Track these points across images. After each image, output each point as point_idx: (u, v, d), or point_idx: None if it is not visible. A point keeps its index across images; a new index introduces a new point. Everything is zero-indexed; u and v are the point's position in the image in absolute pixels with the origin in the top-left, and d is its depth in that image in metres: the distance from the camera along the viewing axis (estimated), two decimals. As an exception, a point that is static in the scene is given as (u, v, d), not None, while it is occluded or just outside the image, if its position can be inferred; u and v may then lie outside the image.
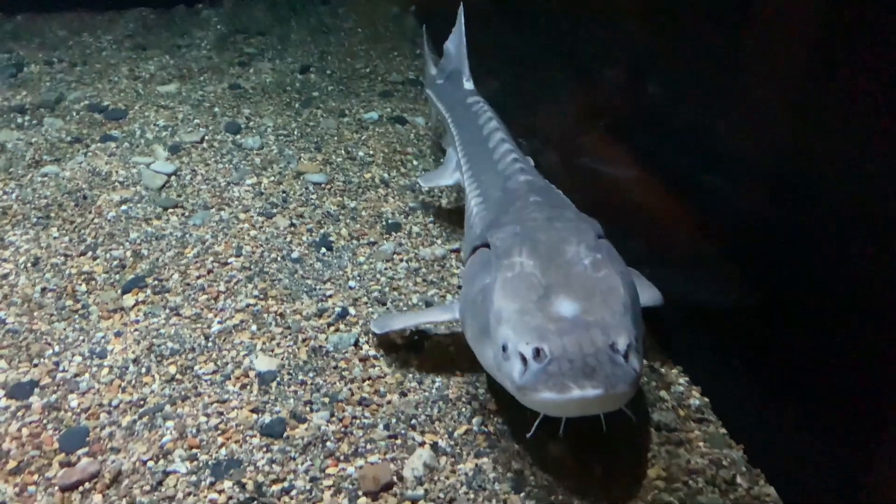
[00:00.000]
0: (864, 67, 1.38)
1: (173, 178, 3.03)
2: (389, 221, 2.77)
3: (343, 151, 3.27)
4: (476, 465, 1.73)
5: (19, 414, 1.88)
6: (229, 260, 2.51)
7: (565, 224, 1.81)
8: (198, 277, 2.42)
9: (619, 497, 1.61)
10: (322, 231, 2.69)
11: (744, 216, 1.78)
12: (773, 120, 1.66)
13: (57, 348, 2.10)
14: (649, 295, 1.97)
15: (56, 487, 1.68)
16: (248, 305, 2.29)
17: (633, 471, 1.68)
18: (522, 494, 1.65)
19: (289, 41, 4.67)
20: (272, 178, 3.04)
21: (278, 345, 2.13)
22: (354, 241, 2.65)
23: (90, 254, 2.53)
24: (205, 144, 3.30)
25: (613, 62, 2.42)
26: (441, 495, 1.66)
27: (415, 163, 3.21)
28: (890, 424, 1.39)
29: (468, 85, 2.85)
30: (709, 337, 1.95)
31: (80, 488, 1.67)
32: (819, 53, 1.50)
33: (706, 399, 1.92)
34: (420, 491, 1.67)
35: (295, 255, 2.56)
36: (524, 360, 1.50)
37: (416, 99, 3.84)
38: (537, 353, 1.49)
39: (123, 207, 2.80)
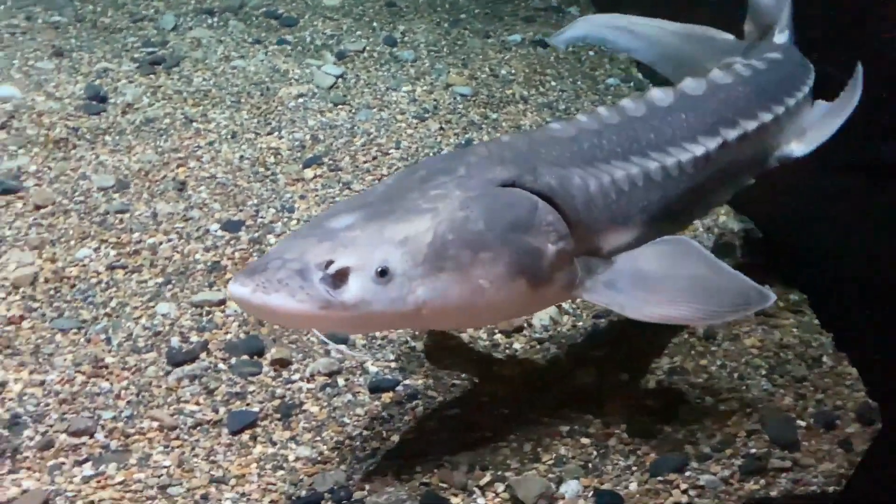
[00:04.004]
0: None
1: (340, 80, 3.46)
2: (527, 133, 3.09)
3: (487, 69, 3.59)
4: (594, 323, 2.07)
5: (231, 242, 2.40)
6: (390, 151, 2.92)
7: (480, 161, 1.56)
8: (364, 162, 2.85)
9: (718, 354, 1.92)
10: (467, 136, 3.05)
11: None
12: None
13: (255, 201, 2.60)
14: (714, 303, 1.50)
15: (264, 296, 2.18)
16: (405, 186, 2.70)
17: (730, 337, 1.98)
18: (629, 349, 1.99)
19: (439, -35, 4.97)
20: (424, 88, 3.41)
21: (431, 219, 2.53)
22: (495, 146, 2.99)
23: (276, 134, 3.01)
24: (366, 54, 3.70)
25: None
26: (562, 340, 2.02)
27: (553, 83, 3.49)
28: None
29: (780, 38, 2.07)
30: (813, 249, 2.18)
31: (282, 299, 2.16)
32: None
33: (804, 295, 2.17)
34: (545, 335, 2.04)
35: (444, 152, 2.93)
36: None
37: (557, 25, 4.07)
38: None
39: (301, 99, 3.26)
